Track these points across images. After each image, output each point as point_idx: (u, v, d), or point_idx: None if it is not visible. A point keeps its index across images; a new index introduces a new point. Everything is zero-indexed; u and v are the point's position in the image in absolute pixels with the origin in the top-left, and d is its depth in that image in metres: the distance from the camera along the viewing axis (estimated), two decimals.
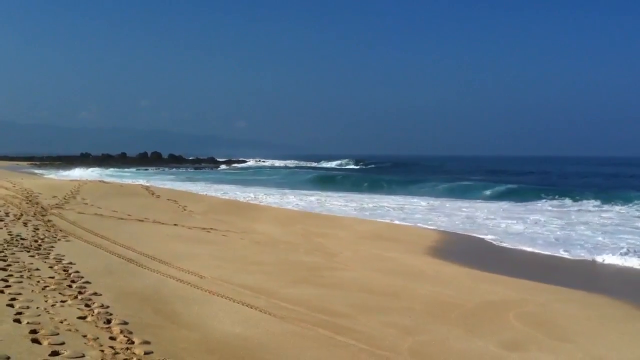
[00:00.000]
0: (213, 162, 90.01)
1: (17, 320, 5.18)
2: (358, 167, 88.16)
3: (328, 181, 46.21)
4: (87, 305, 5.92)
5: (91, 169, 57.07)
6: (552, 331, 6.68)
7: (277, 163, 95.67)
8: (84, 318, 5.48)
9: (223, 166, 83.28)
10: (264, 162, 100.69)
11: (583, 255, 12.53)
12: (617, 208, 24.58)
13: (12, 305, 5.62)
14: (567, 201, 27.49)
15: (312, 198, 27.88)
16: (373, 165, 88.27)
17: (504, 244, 14.17)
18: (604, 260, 11.90)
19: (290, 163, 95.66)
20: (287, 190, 33.44)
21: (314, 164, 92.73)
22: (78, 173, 48.35)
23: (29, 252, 8.44)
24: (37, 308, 5.60)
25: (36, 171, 53.12)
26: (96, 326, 5.29)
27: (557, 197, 29.10)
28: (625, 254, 12.15)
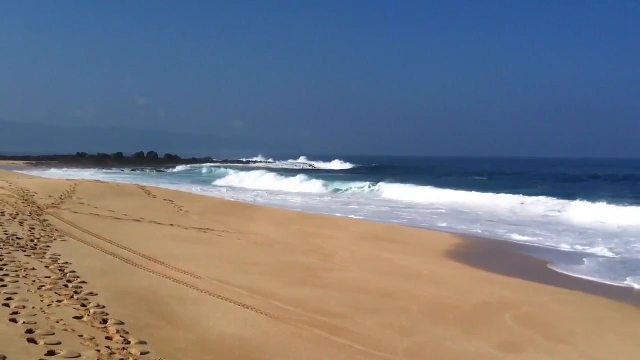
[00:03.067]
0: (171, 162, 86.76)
1: (13, 320, 5.16)
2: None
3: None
4: (83, 305, 5.91)
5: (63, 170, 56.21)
6: (549, 332, 6.69)
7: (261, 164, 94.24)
8: (80, 318, 5.46)
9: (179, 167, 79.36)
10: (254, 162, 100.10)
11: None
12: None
13: (8, 305, 5.60)
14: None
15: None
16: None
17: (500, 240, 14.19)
18: None
19: (286, 165, 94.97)
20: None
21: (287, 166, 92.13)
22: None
23: (24, 251, 8.41)
24: (33, 308, 5.58)
25: (22, 171, 52.62)
26: (92, 326, 5.27)
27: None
28: None
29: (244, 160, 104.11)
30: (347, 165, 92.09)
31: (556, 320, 7.29)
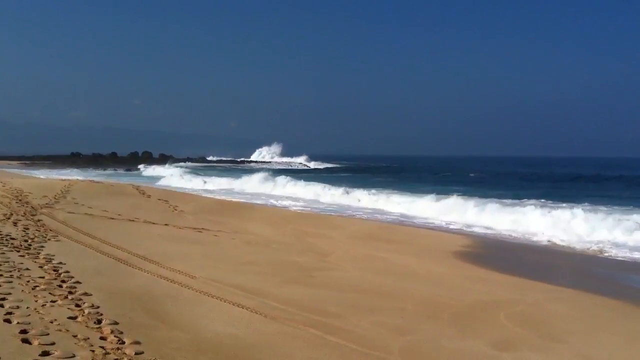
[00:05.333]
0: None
1: (7, 320, 5.15)
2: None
3: None
4: (77, 305, 5.89)
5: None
6: (543, 331, 6.71)
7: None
8: (74, 318, 5.45)
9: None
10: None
11: None
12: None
13: (2, 305, 5.58)
14: None
15: None
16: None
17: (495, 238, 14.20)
18: None
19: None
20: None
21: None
22: None
23: (18, 251, 8.38)
24: (27, 308, 5.57)
25: (15, 170, 52.39)
26: (86, 326, 5.26)
27: None
28: None
29: (239, 159, 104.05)
30: (317, 165, 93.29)
31: (551, 318, 7.31)
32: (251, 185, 34.92)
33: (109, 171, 61.17)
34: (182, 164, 79.03)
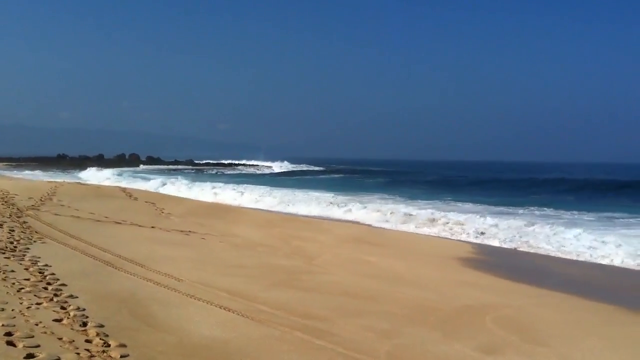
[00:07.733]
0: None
1: None
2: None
3: None
4: (62, 308, 5.86)
5: None
6: (529, 335, 6.75)
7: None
8: (59, 321, 5.42)
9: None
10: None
11: None
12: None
13: None
14: None
15: None
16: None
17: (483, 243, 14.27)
18: None
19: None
20: None
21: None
22: None
23: (4, 253, 8.32)
24: (12, 310, 5.53)
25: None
26: (72, 329, 5.24)
27: None
28: None
29: (226, 162, 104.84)
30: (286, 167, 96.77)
31: (536, 322, 7.35)
32: (146, 186, 36.91)
33: (57, 172, 61.17)
34: (154, 166, 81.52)
